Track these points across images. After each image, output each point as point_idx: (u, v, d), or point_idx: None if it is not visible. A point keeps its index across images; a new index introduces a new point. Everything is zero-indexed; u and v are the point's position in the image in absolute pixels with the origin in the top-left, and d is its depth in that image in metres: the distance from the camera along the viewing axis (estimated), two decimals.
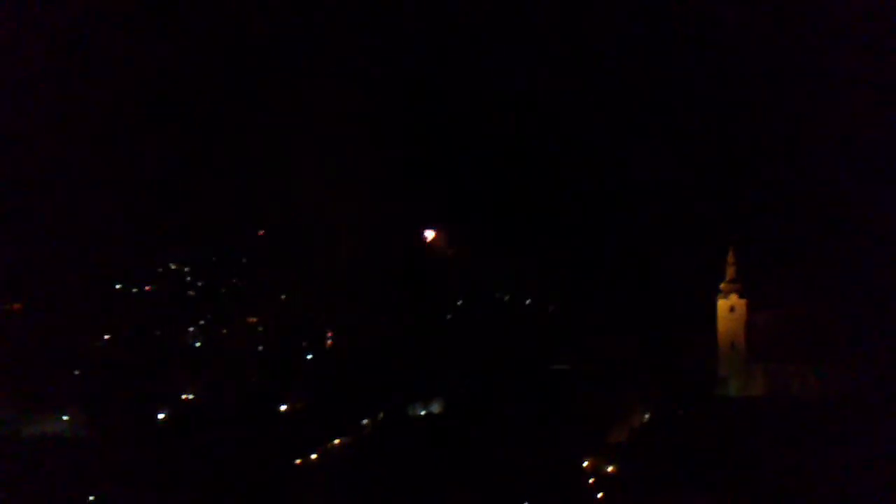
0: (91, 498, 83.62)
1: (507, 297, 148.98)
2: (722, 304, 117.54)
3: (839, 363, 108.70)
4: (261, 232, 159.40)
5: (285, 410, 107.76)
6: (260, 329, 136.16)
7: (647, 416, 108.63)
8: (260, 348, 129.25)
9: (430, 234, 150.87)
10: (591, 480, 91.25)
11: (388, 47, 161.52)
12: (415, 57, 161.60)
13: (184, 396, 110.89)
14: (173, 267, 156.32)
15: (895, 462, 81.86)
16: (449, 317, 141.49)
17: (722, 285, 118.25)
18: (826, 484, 79.94)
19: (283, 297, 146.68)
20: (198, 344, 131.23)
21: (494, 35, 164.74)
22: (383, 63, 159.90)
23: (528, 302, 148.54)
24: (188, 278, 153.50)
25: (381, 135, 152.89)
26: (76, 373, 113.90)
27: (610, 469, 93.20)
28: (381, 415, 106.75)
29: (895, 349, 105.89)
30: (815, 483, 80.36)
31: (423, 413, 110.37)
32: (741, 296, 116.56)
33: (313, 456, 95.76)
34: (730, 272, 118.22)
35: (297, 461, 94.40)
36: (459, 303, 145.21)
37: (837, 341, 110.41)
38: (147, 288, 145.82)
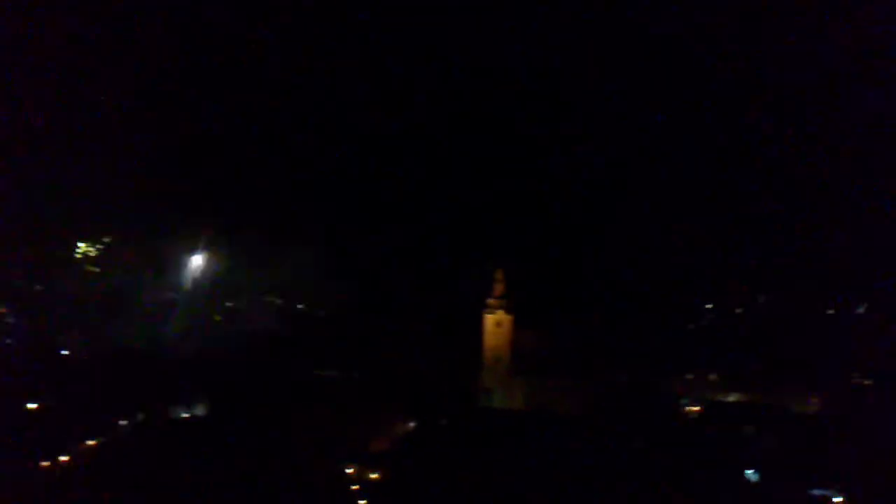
0: None
1: (278, 301, 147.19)
2: (488, 319, 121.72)
3: (594, 383, 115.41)
4: None
5: (34, 408, 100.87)
6: (9, 321, 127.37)
7: (412, 424, 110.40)
8: (8, 341, 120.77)
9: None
10: (354, 487, 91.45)
11: None
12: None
13: None
14: None
15: (642, 469, 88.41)
16: (218, 318, 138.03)
17: (489, 301, 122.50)
18: (578, 493, 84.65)
19: (37, 287, 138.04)
20: None
21: None
22: None
23: (299, 307, 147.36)
24: None
25: None
26: None
27: (374, 476, 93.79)
28: (141, 416, 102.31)
29: (643, 369, 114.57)
30: (568, 491, 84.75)
31: (185, 416, 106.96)
32: (508, 312, 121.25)
33: (63, 458, 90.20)
34: (497, 288, 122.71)
35: (45, 463, 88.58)
36: (229, 304, 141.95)
37: (593, 362, 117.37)
38: None
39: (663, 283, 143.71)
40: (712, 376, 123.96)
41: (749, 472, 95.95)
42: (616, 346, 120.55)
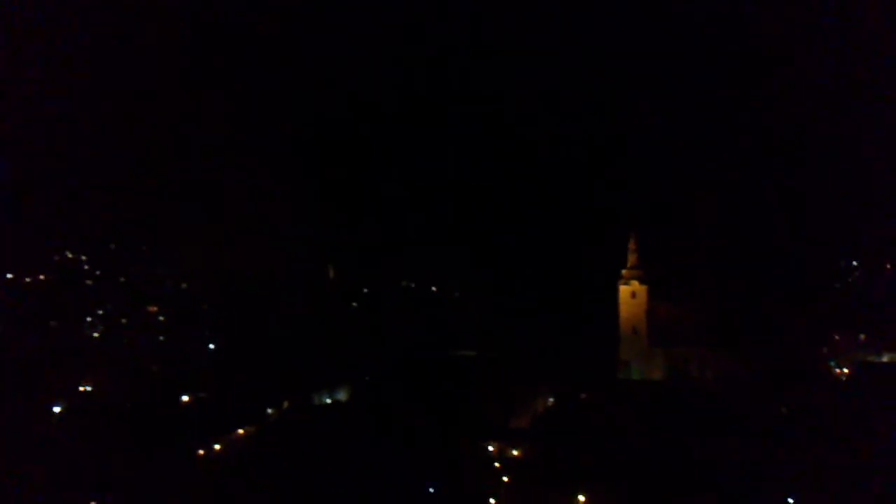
0: None
1: (412, 285, 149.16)
2: (623, 290, 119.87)
3: (736, 349, 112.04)
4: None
5: (187, 400, 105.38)
6: (161, 318, 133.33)
7: (550, 400, 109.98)
8: (161, 338, 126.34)
9: None
10: (496, 464, 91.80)
11: None
12: None
13: (81, 388, 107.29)
14: (70, 255, 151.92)
15: (783, 441, 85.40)
16: (354, 304, 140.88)
17: (623, 272, 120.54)
18: (721, 464, 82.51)
19: (183, 285, 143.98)
20: (96, 334, 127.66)
21: None
22: None
23: (432, 289, 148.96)
24: (86, 267, 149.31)
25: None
26: None
27: (515, 453, 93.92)
28: (286, 403, 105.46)
29: (788, 337, 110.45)
30: (712, 463, 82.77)
31: (328, 401, 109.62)
32: (642, 282, 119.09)
33: (216, 446, 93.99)
34: (631, 259, 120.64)
35: (200, 451, 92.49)
36: (365, 290, 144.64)
37: (734, 329, 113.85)
38: (41, 277, 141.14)
39: (805, 242, 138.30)
40: (862, 336, 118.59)
41: None
42: (756, 311, 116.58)
